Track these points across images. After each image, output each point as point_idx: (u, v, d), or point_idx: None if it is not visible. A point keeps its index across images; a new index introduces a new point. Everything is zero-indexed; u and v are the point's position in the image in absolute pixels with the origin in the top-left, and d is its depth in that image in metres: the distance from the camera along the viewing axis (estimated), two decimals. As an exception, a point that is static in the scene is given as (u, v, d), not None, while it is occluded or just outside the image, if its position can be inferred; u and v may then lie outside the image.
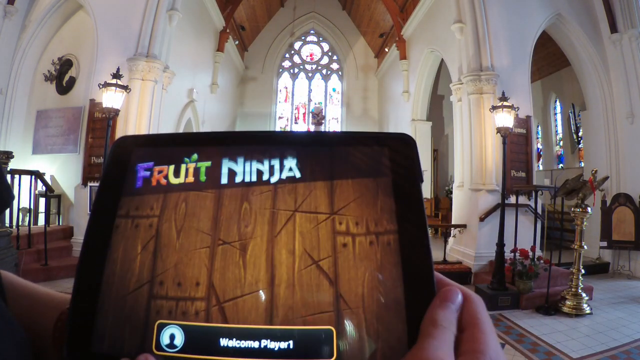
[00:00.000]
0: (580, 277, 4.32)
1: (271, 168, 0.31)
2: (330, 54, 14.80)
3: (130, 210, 0.30)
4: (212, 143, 0.32)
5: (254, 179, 0.30)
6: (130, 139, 0.33)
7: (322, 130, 11.67)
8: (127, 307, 0.27)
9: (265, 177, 0.30)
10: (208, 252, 0.28)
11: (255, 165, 0.31)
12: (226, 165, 0.31)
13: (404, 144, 0.30)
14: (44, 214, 5.71)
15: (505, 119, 5.05)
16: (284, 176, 0.30)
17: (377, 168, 0.30)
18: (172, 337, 0.27)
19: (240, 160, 0.31)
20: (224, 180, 0.31)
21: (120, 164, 0.32)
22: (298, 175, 0.30)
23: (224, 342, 0.26)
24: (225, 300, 0.27)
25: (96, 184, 5.59)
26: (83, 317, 0.27)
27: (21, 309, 0.40)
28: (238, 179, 0.31)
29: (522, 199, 5.64)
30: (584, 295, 4.31)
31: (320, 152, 0.31)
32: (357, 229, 0.28)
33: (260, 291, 0.27)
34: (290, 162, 0.31)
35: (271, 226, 0.29)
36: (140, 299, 0.27)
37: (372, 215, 0.28)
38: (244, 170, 0.31)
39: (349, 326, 0.25)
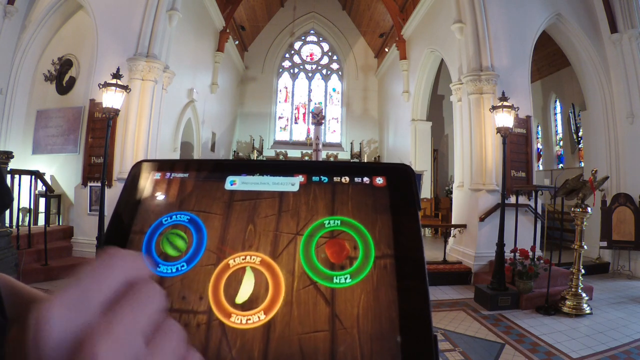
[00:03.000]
0: (580, 277, 4.33)
1: (277, 192, 0.33)
2: (330, 54, 14.80)
3: (144, 227, 0.32)
4: (222, 169, 0.35)
5: (261, 201, 0.33)
6: (148, 163, 0.36)
7: (322, 138, 11.66)
8: None
9: (270, 200, 0.33)
10: (213, 269, 0.30)
11: (264, 190, 0.33)
12: (234, 189, 0.33)
13: (403, 175, 0.32)
14: (44, 214, 5.71)
15: (505, 119, 5.05)
16: (288, 200, 0.32)
17: (377, 196, 0.31)
18: None
19: (248, 185, 0.34)
20: (232, 204, 0.33)
21: (137, 184, 0.35)
22: (301, 201, 0.32)
23: None
24: (226, 315, 0.28)
25: (97, 184, 5.59)
26: None
27: (21, 314, 0.40)
28: (245, 203, 0.33)
29: (522, 199, 5.65)
30: (584, 295, 4.31)
31: (324, 180, 0.33)
32: (354, 252, 0.29)
33: (260, 307, 0.28)
34: (295, 188, 0.33)
35: (273, 247, 0.30)
36: None
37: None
38: (252, 194, 0.33)
39: (343, 346, 0.26)
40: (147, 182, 0.35)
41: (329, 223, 0.30)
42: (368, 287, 0.28)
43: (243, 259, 0.30)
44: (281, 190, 0.33)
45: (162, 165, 0.36)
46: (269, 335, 0.27)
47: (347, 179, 0.33)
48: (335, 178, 0.33)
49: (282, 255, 0.30)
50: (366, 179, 0.32)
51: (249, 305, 0.28)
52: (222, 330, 0.27)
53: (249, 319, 0.28)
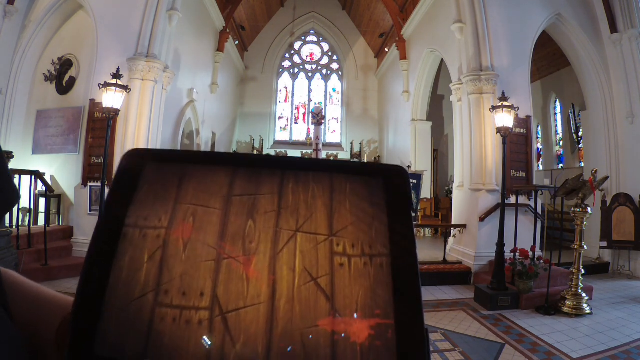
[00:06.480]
0: (580, 277, 4.33)
1: (276, 189, 0.33)
2: (330, 54, 14.80)
3: (139, 220, 0.32)
4: (219, 162, 0.35)
5: (260, 197, 0.33)
6: (141, 152, 0.35)
7: (322, 138, 11.66)
8: (131, 313, 0.28)
9: (269, 196, 0.32)
10: (213, 265, 0.30)
11: (262, 186, 0.33)
12: (233, 184, 0.33)
13: (398, 176, 0.33)
14: (44, 214, 5.71)
15: (505, 119, 5.05)
16: (288, 197, 0.32)
17: (373, 196, 0.32)
18: None
19: (247, 179, 0.33)
20: (231, 199, 0.32)
21: (130, 174, 0.33)
22: (300, 199, 0.32)
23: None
24: (228, 311, 0.28)
25: (97, 184, 5.59)
26: (86, 321, 0.28)
27: (24, 309, 0.40)
28: (244, 198, 0.32)
29: (522, 199, 5.65)
30: (584, 295, 4.31)
31: (322, 178, 0.33)
32: (353, 250, 0.30)
33: (262, 304, 0.28)
34: (295, 185, 0.33)
35: (274, 244, 0.30)
36: (144, 306, 0.29)
37: (367, 239, 0.31)
38: (250, 189, 0.33)
39: (342, 340, 0.27)
40: (140, 173, 0.34)
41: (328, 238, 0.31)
42: (366, 283, 0.29)
43: (244, 255, 0.30)
44: (280, 187, 0.33)
45: (156, 156, 0.35)
46: (272, 331, 0.27)
47: (345, 177, 0.33)
48: (333, 176, 0.33)
49: (282, 252, 0.30)
50: (363, 179, 0.33)
51: (252, 301, 0.28)
52: (225, 326, 0.28)
53: (252, 315, 0.28)
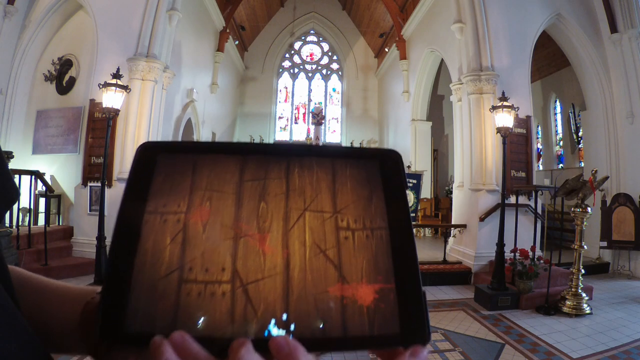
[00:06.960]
0: (580, 277, 4.33)
1: (284, 174, 0.36)
2: (330, 54, 14.80)
3: (158, 207, 0.34)
4: (228, 151, 0.37)
5: (269, 181, 0.36)
6: (154, 144, 0.38)
7: (322, 138, 11.69)
8: (159, 290, 0.31)
9: (278, 180, 0.36)
10: (232, 243, 0.33)
11: (271, 172, 0.36)
12: (244, 171, 0.36)
13: (391, 158, 0.37)
14: (44, 214, 5.71)
15: (505, 119, 5.05)
16: (294, 180, 0.36)
17: (370, 176, 0.36)
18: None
19: (256, 166, 0.36)
20: (243, 184, 0.36)
21: (146, 165, 0.36)
22: (306, 182, 0.36)
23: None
24: (248, 283, 0.31)
25: (97, 184, 5.59)
26: (115, 301, 0.31)
27: (34, 304, 0.41)
28: (255, 183, 0.36)
29: (522, 199, 5.65)
30: (584, 295, 4.31)
31: (324, 162, 0.37)
32: (355, 225, 0.34)
33: (278, 275, 0.32)
34: (300, 170, 0.36)
35: (285, 222, 0.34)
36: (171, 283, 0.31)
37: (368, 215, 0.34)
38: (260, 175, 0.36)
39: (350, 302, 0.31)
40: (155, 163, 0.36)
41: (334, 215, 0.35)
42: (369, 253, 0.33)
43: (259, 233, 0.33)
44: (287, 172, 0.36)
45: (170, 147, 0.38)
46: (289, 298, 0.31)
47: (346, 161, 0.37)
48: (335, 160, 0.37)
49: (293, 228, 0.33)
50: (361, 162, 0.37)
51: (269, 272, 0.32)
52: (247, 295, 0.31)
53: (270, 285, 0.31)
